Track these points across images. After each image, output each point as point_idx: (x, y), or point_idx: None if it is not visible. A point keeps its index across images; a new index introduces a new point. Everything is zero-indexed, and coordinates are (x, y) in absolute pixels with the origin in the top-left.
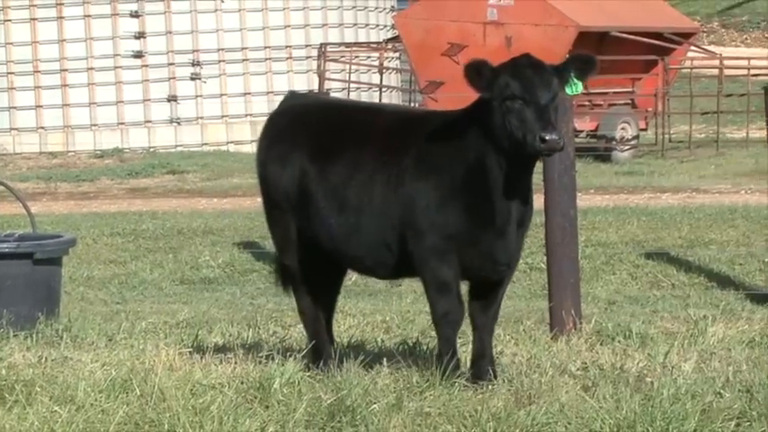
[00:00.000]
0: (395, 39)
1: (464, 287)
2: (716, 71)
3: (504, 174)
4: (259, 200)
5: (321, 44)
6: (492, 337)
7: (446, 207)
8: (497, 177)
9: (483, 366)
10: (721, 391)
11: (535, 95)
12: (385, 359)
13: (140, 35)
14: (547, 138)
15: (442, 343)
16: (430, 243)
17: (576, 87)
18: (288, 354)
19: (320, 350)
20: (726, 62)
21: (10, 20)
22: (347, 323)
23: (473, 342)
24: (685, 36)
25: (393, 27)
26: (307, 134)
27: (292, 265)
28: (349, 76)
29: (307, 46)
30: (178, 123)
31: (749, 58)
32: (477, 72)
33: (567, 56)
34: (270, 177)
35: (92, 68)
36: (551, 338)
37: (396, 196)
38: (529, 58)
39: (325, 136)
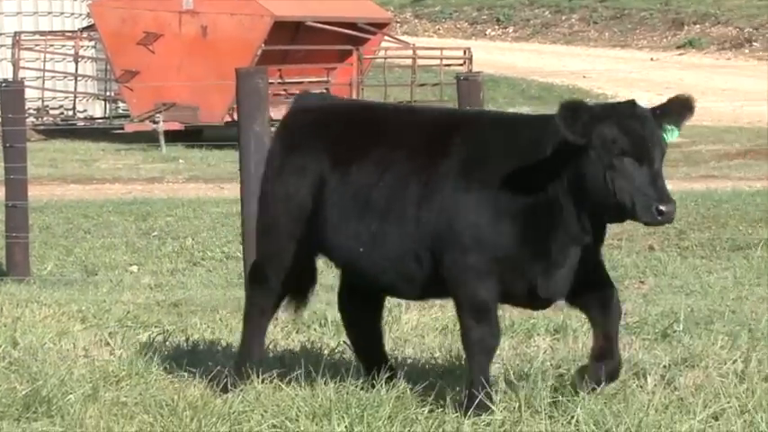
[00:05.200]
0: (90, 27)
1: None
2: (409, 61)
3: (579, 219)
4: None
5: (15, 32)
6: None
7: (499, 227)
8: (570, 218)
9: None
10: (416, 378)
11: (650, 156)
12: (81, 349)
13: None
14: (665, 210)
15: (474, 371)
16: (472, 262)
17: (672, 134)
18: None
19: (250, 362)
20: (419, 52)
21: None
22: (42, 313)
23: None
24: (379, 26)
25: (89, 15)
26: (330, 141)
27: (277, 278)
28: (44, 65)
29: (0, 34)
30: None
31: (442, 48)
32: (573, 113)
33: (666, 101)
34: (285, 188)
35: None
36: None
37: (434, 207)
38: (636, 107)
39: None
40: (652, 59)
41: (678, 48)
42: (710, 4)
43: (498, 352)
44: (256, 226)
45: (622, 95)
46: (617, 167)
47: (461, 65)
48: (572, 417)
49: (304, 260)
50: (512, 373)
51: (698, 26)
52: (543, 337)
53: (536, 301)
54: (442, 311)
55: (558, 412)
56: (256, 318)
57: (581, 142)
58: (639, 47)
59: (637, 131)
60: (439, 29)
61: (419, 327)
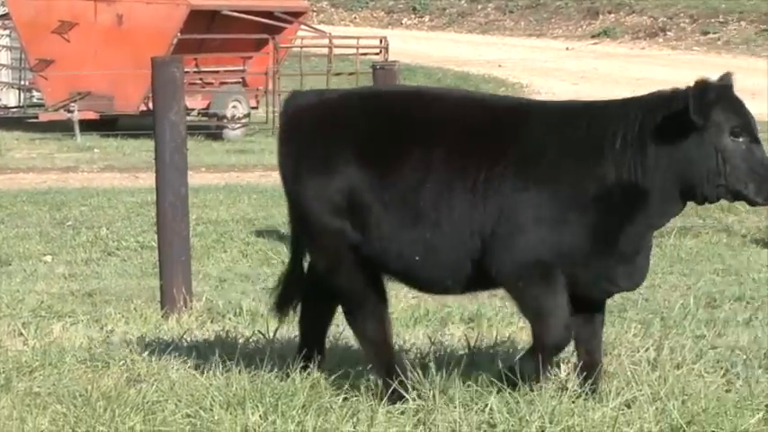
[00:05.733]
0: (5, 16)
1: None
2: (325, 50)
3: (662, 203)
4: None
5: None
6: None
7: (564, 224)
8: (653, 203)
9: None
10: (331, 367)
11: (757, 135)
12: None
13: None
14: None
15: (542, 368)
16: (533, 263)
17: None
18: None
19: (397, 381)
20: (335, 41)
21: None
22: None
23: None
24: (295, 15)
25: (3, 4)
26: (357, 135)
27: (349, 287)
28: None
29: None
30: None
31: (358, 38)
32: (703, 93)
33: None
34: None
35: None
36: (162, 317)
37: (488, 205)
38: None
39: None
40: (567, 49)
41: (593, 37)
42: None
43: (413, 340)
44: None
45: (537, 85)
46: (730, 148)
47: (377, 54)
48: (486, 405)
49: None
50: (426, 361)
51: (612, 15)
52: (458, 326)
53: (618, 290)
54: None
55: (473, 401)
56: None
57: (701, 124)
58: (555, 36)
59: (745, 110)
60: (355, 18)
61: (335, 316)
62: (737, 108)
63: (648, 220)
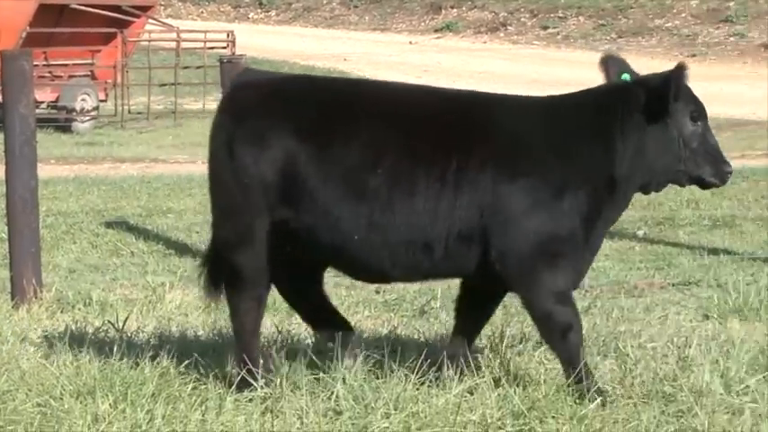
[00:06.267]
0: None
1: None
2: (173, 44)
3: (627, 192)
4: None
5: None
6: None
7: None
8: (621, 193)
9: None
10: (179, 356)
11: (707, 119)
12: None
13: None
14: (731, 171)
15: (576, 360)
16: (538, 251)
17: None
18: None
19: (254, 364)
20: (183, 35)
21: None
22: None
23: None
24: (143, 9)
25: None
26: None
27: (249, 264)
28: None
29: None
30: None
31: (205, 32)
32: (683, 78)
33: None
34: (242, 161)
35: None
36: (12, 307)
37: (468, 197)
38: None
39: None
40: (411, 43)
41: (436, 31)
42: None
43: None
44: None
45: (382, 77)
46: (690, 133)
47: (225, 48)
48: (332, 393)
49: None
50: (273, 349)
51: (455, 11)
52: None
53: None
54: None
55: (319, 388)
56: (249, 329)
57: (673, 109)
58: (398, 30)
59: (697, 96)
60: (203, 12)
61: (183, 305)
62: (693, 94)
63: (615, 213)
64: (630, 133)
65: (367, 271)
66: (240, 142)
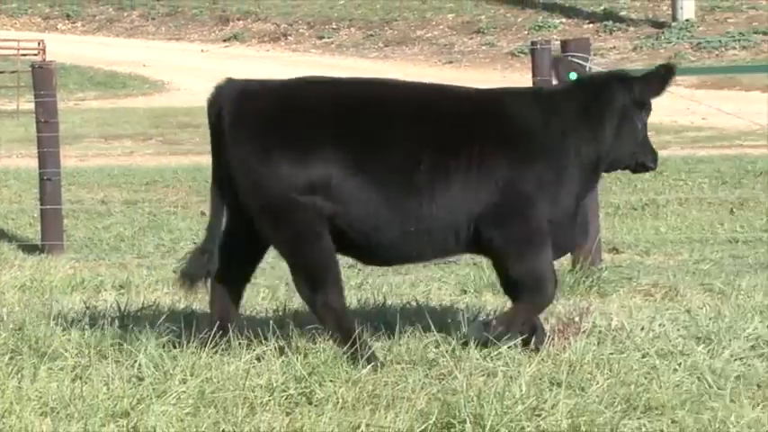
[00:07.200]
0: None
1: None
2: None
3: (598, 175)
4: None
5: None
6: None
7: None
8: (597, 176)
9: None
10: None
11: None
12: None
13: None
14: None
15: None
16: (533, 230)
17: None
18: None
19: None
20: None
21: None
22: None
23: None
24: None
25: None
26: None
27: (316, 257)
28: None
29: None
30: None
31: (18, 40)
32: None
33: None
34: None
35: None
36: None
37: (480, 182)
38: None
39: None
40: (202, 51)
41: (225, 41)
42: (252, 2)
43: (70, 305)
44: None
45: (177, 82)
46: (644, 123)
47: (36, 55)
48: (135, 361)
49: None
50: (83, 324)
51: (241, 22)
52: (110, 292)
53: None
54: (21, 271)
55: (123, 357)
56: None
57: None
58: (192, 40)
59: None
60: (15, 23)
61: (1, 285)
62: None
63: (587, 194)
64: (611, 121)
65: (404, 258)
66: (275, 149)
